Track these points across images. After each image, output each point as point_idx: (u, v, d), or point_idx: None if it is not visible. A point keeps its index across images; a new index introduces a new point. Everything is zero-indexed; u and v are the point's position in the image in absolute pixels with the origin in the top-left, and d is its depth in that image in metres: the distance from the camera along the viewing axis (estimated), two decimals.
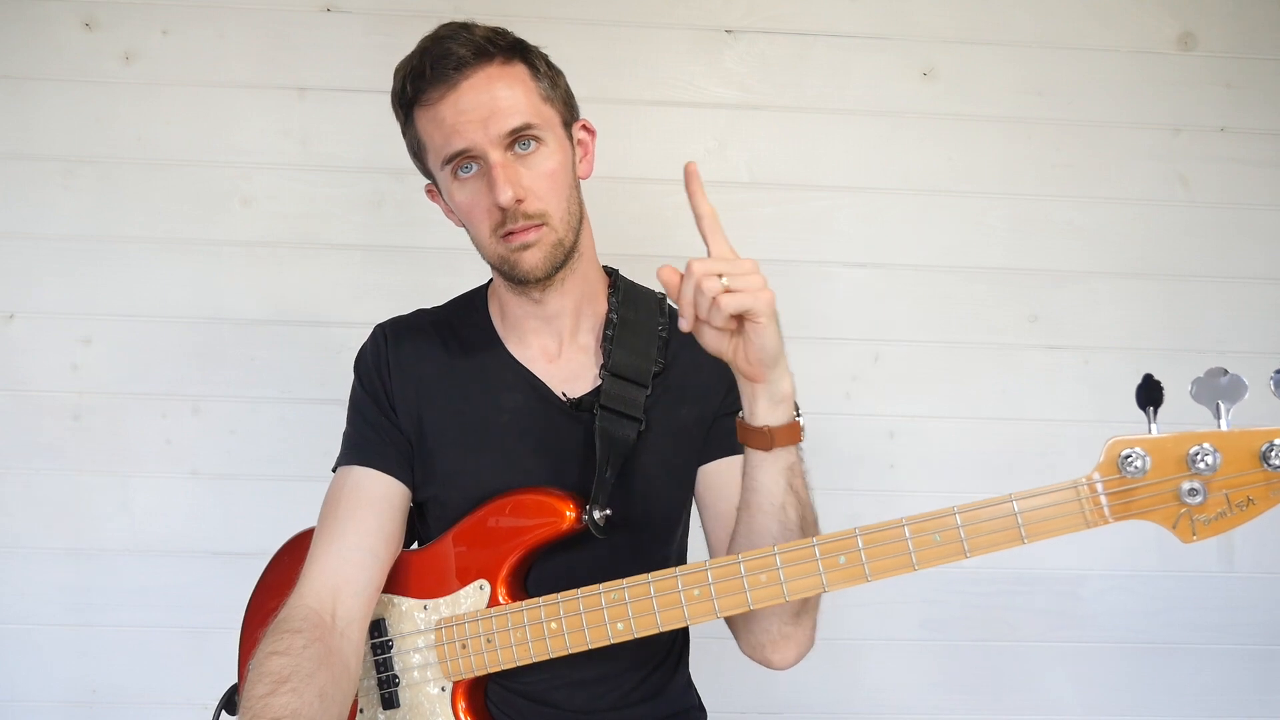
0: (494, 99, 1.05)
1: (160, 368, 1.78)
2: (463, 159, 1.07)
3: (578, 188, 1.15)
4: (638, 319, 1.19)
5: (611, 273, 1.25)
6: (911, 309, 1.83)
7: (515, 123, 1.05)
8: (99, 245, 1.76)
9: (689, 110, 1.81)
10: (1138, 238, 1.84)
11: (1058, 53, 1.83)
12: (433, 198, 1.20)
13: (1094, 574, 1.85)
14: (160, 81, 1.76)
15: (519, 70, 1.08)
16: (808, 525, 1.01)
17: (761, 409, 0.98)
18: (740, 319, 0.93)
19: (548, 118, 1.10)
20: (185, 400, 1.78)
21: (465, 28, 1.07)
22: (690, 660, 1.29)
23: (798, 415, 1.00)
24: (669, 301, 1.23)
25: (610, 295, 1.21)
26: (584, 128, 1.19)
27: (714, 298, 0.91)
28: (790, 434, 0.99)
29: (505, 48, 1.08)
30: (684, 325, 0.94)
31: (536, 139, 1.08)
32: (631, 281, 1.25)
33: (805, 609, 1.07)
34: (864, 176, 1.83)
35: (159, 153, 1.77)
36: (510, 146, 1.06)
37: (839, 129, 1.82)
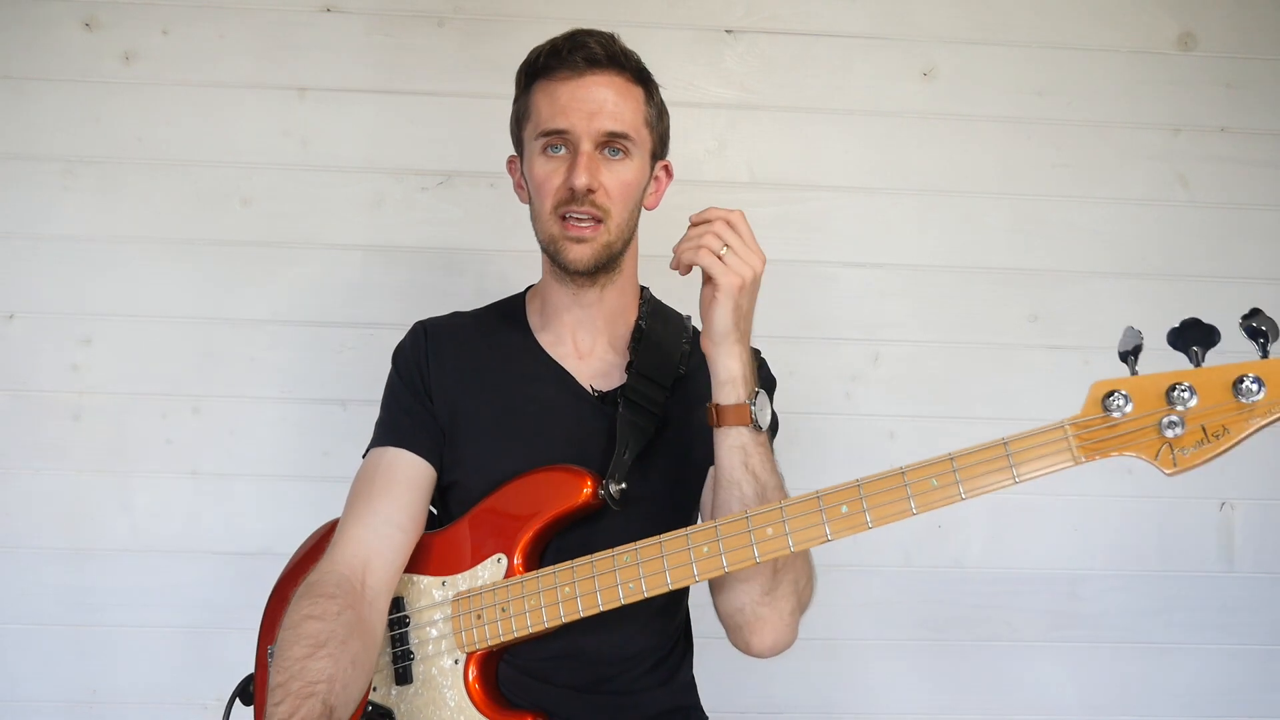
0: (607, 101, 1.15)
1: (160, 368, 1.78)
2: (557, 139, 1.16)
3: (639, 211, 1.24)
4: (664, 330, 1.28)
5: (642, 289, 1.32)
6: (911, 309, 1.83)
7: (616, 128, 1.16)
8: (99, 245, 1.76)
9: (689, 110, 1.81)
10: (1138, 238, 1.84)
11: (1058, 53, 1.83)
12: (510, 169, 1.29)
13: (1094, 574, 1.85)
14: (160, 81, 1.76)
15: (638, 92, 1.20)
16: (769, 503, 1.05)
17: (712, 385, 1.09)
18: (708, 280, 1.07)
19: (643, 139, 1.20)
20: (185, 400, 1.78)
21: (610, 37, 1.18)
22: (693, 662, 1.30)
23: (752, 402, 1.07)
24: (693, 322, 1.29)
25: (641, 306, 1.29)
26: (665, 168, 1.29)
27: (700, 246, 1.07)
28: (737, 416, 1.07)
29: (634, 69, 1.20)
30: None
31: (626, 151, 1.18)
32: (660, 300, 1.33)
33: (777, 583, 1.10)
34: (864, 176, 1.83)
35: (159, 153, 1.77)
36: (602, 147, 1.16)
37: (839, 129, 1.82)
